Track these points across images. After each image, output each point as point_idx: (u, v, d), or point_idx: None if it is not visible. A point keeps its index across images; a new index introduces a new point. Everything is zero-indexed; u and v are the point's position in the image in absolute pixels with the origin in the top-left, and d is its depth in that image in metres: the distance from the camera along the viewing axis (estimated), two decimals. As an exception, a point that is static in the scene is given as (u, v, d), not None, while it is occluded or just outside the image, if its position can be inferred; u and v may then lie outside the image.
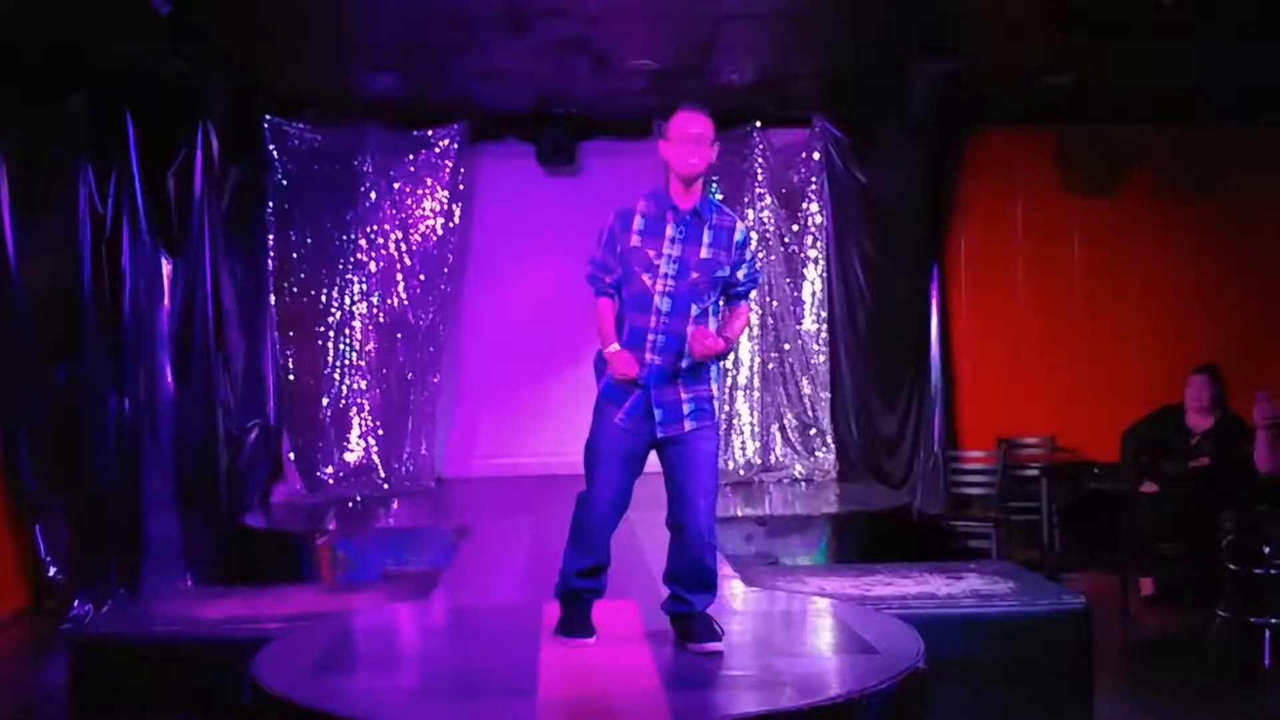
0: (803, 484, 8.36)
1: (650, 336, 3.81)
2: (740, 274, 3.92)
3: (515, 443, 8.67)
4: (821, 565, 6.56)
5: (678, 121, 3.84)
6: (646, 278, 3.82)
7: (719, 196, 8.28)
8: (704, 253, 3.84)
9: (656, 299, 3.81)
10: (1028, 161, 8.53)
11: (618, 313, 3.90)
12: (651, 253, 3.83)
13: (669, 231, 3.84)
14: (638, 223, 3.86)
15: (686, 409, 3.85)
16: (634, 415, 3.84)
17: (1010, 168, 8.54)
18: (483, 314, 8.69)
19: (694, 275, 3.83)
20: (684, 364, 3.83)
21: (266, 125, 8.01)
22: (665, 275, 3.81)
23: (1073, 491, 7.53)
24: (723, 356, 3.92)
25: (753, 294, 4.11)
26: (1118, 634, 6.03)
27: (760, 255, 8.47)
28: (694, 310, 3.82)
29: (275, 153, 8.07)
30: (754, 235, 8.34)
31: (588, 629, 3.94)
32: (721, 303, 3.96)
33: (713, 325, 3.89)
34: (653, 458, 3.92)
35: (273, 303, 8.12)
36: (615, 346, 3.86)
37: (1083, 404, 8.30)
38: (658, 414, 3.83)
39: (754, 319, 8.38)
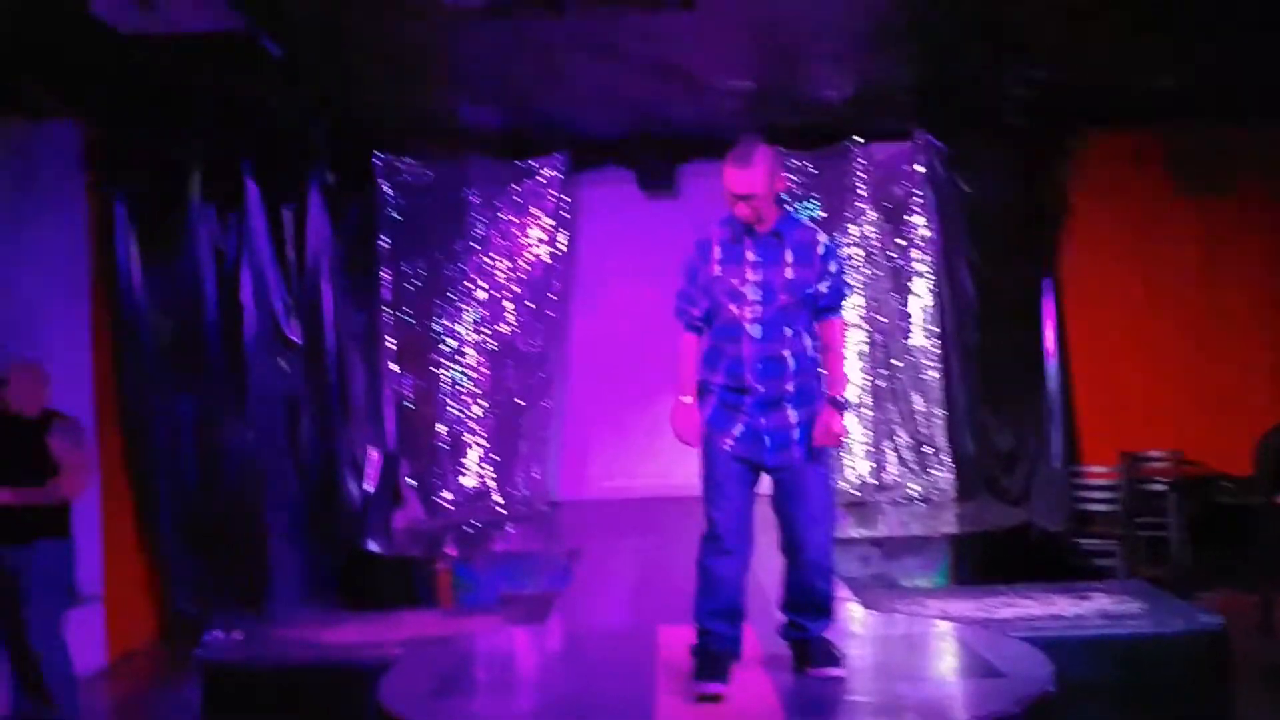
0: (918, 503, 8.23)
1: (749, 365, 3.67)
2: (823, 287, 3.72)
3: (626, 466, 8.69)
4: (942, 587, 6.43)
5: (725, 176, 3.64)
6: (734, 307, 3.68)
7: (821, 214, 8.23)
8: (788, 273, 3.68)
9: (748, 327, 3.66)
10: (1137, 165, 8.27)
11: (712, 343, 3.77)
12: (735, 280, 3.68)
13: (749, 256, 3.69)
14: (716, 251, 3.72)
15: (796, 434, 3.71)
16: (743, 440, 3.71)
17: (1119, 172, 8.29)
18: (590, 338, 8.77)
19: (782, 298, 3.67)
20: (790, 386, 3.69)
21: (379, 162, 8.23)
22: (753, 302, 3.66)
23: (1201, 505, 7.25)
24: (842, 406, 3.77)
25: (843, 306, 3.86)
26: (1258, 656, 5.75)
27: (865, 271, 8.39)
28: (788, 333, 3.68)
29: (387, 188, 8.28)
30: (857, 250, 8.35)
31: (720, 676, 3.60)
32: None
33: (808, 343, 3.74)
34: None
35: (388, 333, 8.33)
36: (688, 399, 3.74)
37: (1207, 414, 7.98)
38: (767, 440, 3.70)
39: (860, 335, 8.30)
